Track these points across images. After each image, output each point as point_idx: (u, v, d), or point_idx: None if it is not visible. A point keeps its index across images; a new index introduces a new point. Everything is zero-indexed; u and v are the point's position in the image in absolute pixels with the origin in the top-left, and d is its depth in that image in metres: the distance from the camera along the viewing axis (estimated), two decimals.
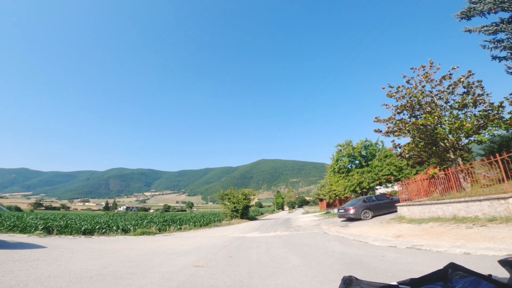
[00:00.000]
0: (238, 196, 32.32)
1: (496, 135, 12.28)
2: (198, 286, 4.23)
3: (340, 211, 16.69)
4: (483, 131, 11.58)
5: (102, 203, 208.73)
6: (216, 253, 7.96)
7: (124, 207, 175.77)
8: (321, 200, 41.15)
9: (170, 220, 23.05)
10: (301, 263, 5.59)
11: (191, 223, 23.09)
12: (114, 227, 16.68)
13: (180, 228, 20.52)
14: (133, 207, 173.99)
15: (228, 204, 32.08)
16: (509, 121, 11.00)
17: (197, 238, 13.71)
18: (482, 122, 11.33)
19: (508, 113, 11.27)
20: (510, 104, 12.25)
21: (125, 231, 16.58)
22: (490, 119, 11.15)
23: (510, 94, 12.00)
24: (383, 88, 14.36)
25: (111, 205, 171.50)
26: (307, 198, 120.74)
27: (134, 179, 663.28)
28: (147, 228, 17.71)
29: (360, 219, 15.04)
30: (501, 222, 6.64)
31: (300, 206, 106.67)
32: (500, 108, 11.21)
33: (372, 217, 15.24)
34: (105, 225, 16.89)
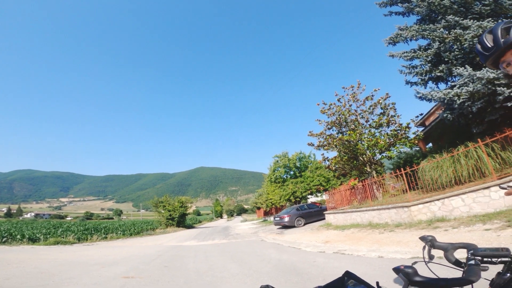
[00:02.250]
0: (174, 204, 31.05)
1: (402, 152, 14.41)
2: None
3: (276, 219, 17.43)
4: (393, 148, 13.33)
5: (3, 209, 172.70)
6: (149, 263, 7.55)
7: (33, 214, 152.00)
8: (259, 208, 42.24)
9: (92, 229, 20.66)
10: (240, 271, 5.68)
11: (119, 232, 21.10)
12: (18, 236, 14.54)
13: (106, 237, 18.68)
14: (44, 214, 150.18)
15: (163, 211, 30.53)
16: (413, 141, 13.07)
17: (127, 248, 12.69)
18: (392, 140, 13.08)
19: (413, 133, 13.43)
20: (415, 126, 14.68)
21: (33, 240, 14.59)
22: (398, 138, 12.95)
23: (416, 117, 14.22)
24: (318, 105, 15.24)
25: (15, 211, 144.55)
26: (246, 207, 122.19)
27: (47, 183, 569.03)
28: (63, 238, 15.71)
29: (294, 227, 15.96)
30: (405, 228, 7.81)
31: (239, 214, 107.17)
32: (407, 129, 13.08)
33: (305, 224, 16.35)
34: (5, 234, 14.60)
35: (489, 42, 0.98)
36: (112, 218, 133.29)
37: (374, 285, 0.85)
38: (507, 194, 0.88)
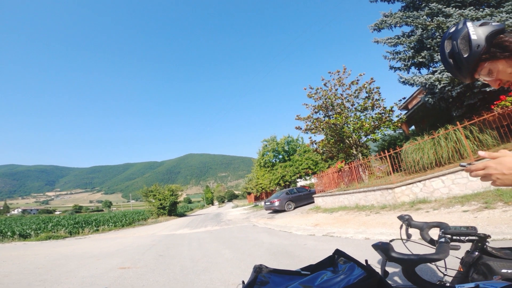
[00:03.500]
0: (165, 193, 31.03)
1: (386, 134, 14.79)
2: None
3: (267, 203, 17.65)
4: (377, 131, 13.71)
5: None
6: (144, 253, 7.69)
7: (20, 209, 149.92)
8: (249, 193, 42.62)
9: (83, 222, 20.67)
10: (234, 256, 5.85)
11: (111, 224, 21.16)
12: (9, 233, 14.58)
13: (98, 230, 18.73)
14: (32, 210, 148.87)
15: (153, 201, 30.49)
16: (396, 123, 13.49)
17: (120, 239, 12.78)
18: (377, 123, 13.42)
19: (396, 116, 13.88)
20: (398, 109, 15.04)
21: (24, 236, 14.68)
22: (383, 121, 13.31)
23: (399, 100, 14.56)
24: (305, 89, 15.36)
25: (2, 208, 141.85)
26: (236, 192, 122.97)
27: (31, 177, 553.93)
28: (54, 232, 15.72)
29: (284, 211, 16.24)
30: (390, 209, 8.08)
31: (230, 200, 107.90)
32: (391, 112, 13.44)
33: (295, 208, 16.69)
34: None
35: (459, 60, 0.91)
36: (102, 210, 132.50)
37: (363, 263, 0.89)
38: (467, 171, 0.90)
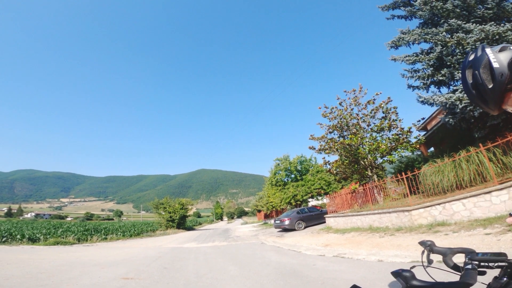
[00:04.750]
0: (175, 206, 31.17)
1: (404, 156, 14.38)
2: None
3: (277, 222, 17.39)
4: (394, 153, 13.34)
5: (4, 209, 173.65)
6: (149, 264, 7.57)
7: (33, 213, 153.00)
8: (259, 211, 42.19)
9: (92, 229, 20.85)
10: (240, 273, 5.68)
11: (120, 233, 21.20)
12: (18, 236, 14.70)
13: (106, 238, 18.77)
14: (45, 214, 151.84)
15: (163, 213, 30.65)
16: (414, 145, 13.08)
17: (127, 249, 12.74)
18: (394, 144, 13.07)
19: (415, 137, 13.45)
20: (416, 130, 14.59)
21: (33, 240, 14.74)
22: (400, 142, 12.96)
23: (418, 121, 14.15)
24: (320, 108, 15.27)
25: (16, 211, 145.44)
26: (246, 209, 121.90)
27: (48, 183, 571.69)
28: (63, 238, 15.82)
29: (294, 230, 15.88)
30: (405, 232, 7.77)
31: (239, 216, 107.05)
32: (408, 133, 13.06)
33: (305, 227, 16.25)
34: (6, 233, 14.78)
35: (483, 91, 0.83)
36: (113, 219, 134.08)
37: None
38: (508, 222, 0.84)
